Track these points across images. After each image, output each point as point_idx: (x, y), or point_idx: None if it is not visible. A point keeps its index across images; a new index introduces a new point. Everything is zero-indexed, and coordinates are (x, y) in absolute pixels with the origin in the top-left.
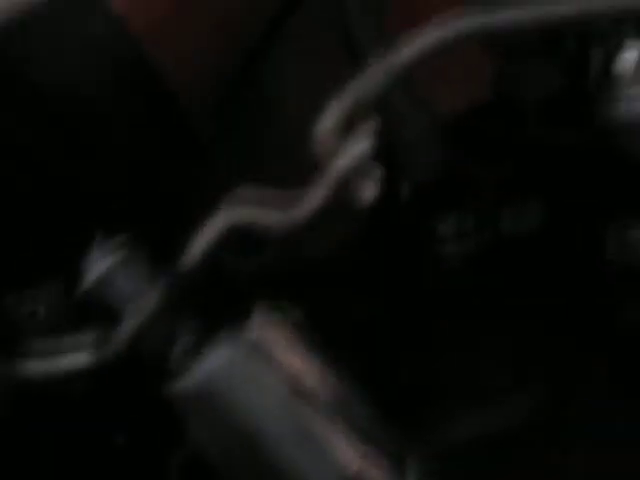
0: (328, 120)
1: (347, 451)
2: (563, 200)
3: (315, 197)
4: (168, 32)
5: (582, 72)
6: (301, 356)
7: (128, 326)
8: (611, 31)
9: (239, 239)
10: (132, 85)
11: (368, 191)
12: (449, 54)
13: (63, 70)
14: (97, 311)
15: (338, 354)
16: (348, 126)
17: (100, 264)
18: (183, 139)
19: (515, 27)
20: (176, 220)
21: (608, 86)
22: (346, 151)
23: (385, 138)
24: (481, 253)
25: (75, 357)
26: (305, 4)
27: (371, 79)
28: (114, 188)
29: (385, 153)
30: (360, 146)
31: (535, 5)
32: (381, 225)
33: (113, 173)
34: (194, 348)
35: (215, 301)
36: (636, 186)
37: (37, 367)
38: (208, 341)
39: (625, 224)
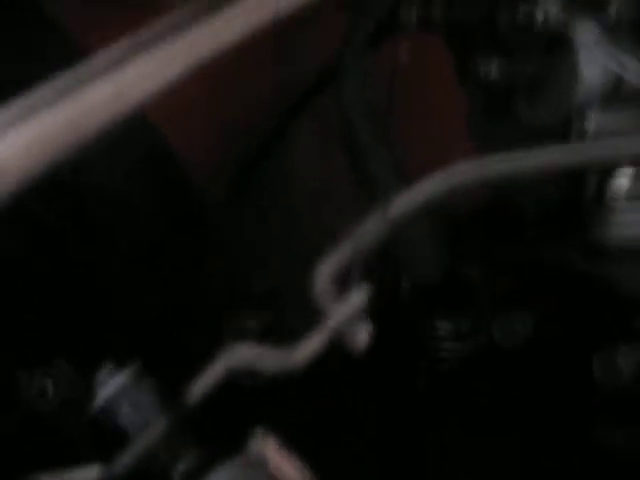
0: (327, 269)
1: None
2: (553, 318)
3: (312, 343)
4: (189, 124)
5: (578, 190)
6: (292, 469)
7: (134, 450)
8: None
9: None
10: (151, 171)
11: (361, 339)
12: None
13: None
14: (106, 427)
15: (332, 459)
16: (346, 273)
17: (110, 388)
18: (195, 221)
19: (508, 178)
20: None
21: (601, 210)
22: (343, 303)
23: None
24: (476, 356)
25: (84, 473)
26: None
27: (369, 230)
28: (126, 273)
29: (388, 255)
30: (356, 298)
31: (529, 153)
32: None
33: (126, 258)
34: (196, 471)
35: (216, 426)
36: (624, 311)
37: None
38: (209, 464)
39: (613, 348)
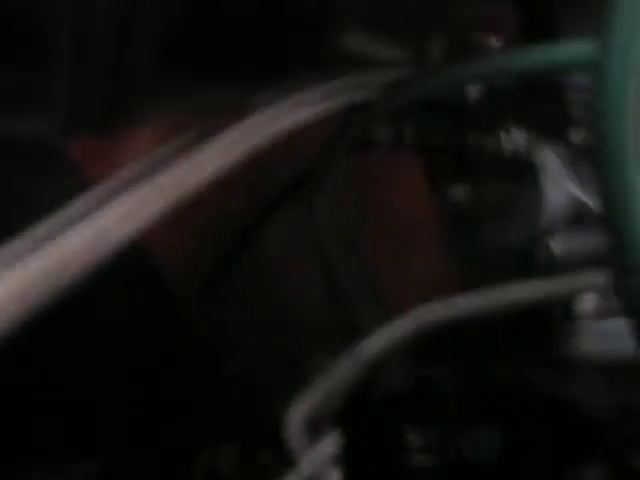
0: (299, 412)
1: None
2: (521, 434)
3: None
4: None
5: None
6: None
7: None
8: None
9: None
10: (131, 276)
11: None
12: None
13: None
14: None
15: None
16: (316, 419)
17: None
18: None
19: (478, 316)
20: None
21: (569, 327)
22: (315, 449)
23: None
24: (445, 470)
25: None
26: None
27: (342, 372)
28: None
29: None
30: (328, 444)
31: (498, 292)
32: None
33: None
34: None
35: None
36: (591, 428)
37: None
38: None
39: (581, 468)
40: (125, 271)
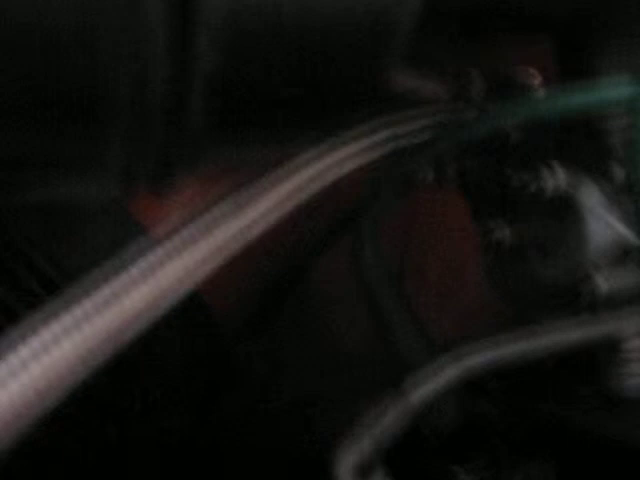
0: (348, 458)
1: None
2: (573, 470)
3: None
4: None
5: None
6: None
7: None
8: None
9: None
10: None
11: None
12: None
13: None
14: None
15: None
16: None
17: None
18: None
19: (520, 360)
20: None
21: (615, 363)
22: None
23: None
24: None
25: None
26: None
27: (390, 418)
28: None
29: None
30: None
31: (541, 331)
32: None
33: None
34: None
35: None
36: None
37: None
38: None
39: None
40: (179, 311)
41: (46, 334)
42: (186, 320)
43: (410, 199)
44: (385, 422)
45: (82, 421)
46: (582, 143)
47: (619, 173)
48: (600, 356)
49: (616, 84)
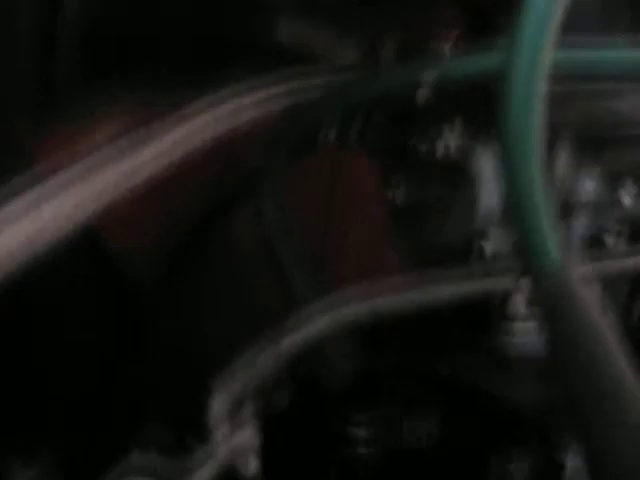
0: (219, 403)
1: None
2: (455, 421)
3: (204, 472)
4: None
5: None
6: None
7: None
8: None
9: None
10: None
11: (249, 470)
12: None
13: None
14: None
15: None
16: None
17: None
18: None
19: (401, 312)
20: None
21: (503, 325)
22: (235, 436)
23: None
24: (385, 459)
25: None
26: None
27: (260, 362)
28: None
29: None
30: (247, 432)
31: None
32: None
33: None
34: None
35: None
36: (519, 423)
37: None
38: None
39: (507, 456)
40: (83, 259)
41: None
42: (95, 271)
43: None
44: (257, 364)
45: None
46: (480, 106)
47: None
48: (491, 315)
49: (482, 54)
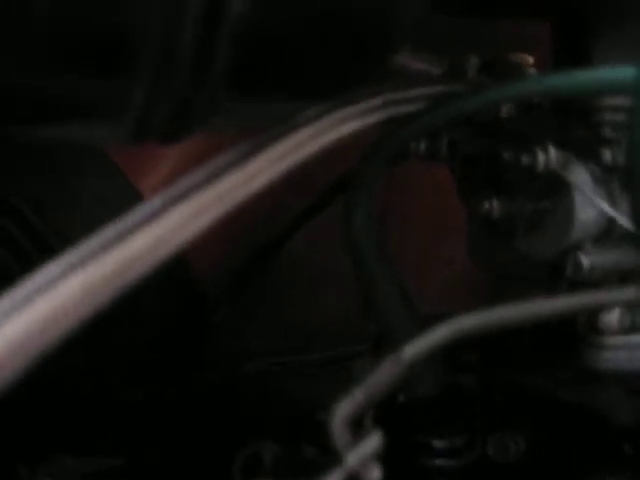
0: (341, 413)
1: None
2: (545, 439)
3: None
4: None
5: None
6: None
7: None
8: None
9: None
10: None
11: (375, 476)
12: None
13: None
14: None
15: None
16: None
17: None
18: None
19: (509, 324)
20: None
21: (593, 340)
22: (358, 447)
23: None
24: (468, 472)
25: None
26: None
27: (382, 375)
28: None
29: None
30: (371, 443)
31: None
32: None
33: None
34: None
35: None
36: (612, 439)
37: None
38: None
39: (599, 474)
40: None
41: (53, 268)
42: (167, 281)
43: (401, 169)
44: (377, 377)
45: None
46: (573, 125)
47: (607, 155)
48: (578, 329)
49: (615, 70)
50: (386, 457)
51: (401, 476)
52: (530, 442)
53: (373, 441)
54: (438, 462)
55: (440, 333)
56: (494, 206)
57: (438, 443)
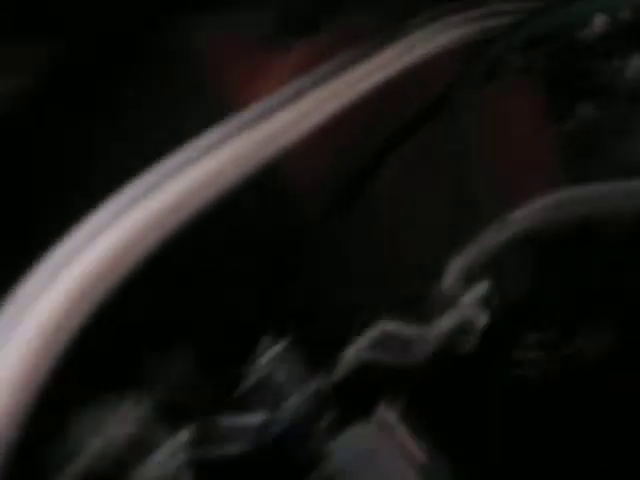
0: (456, 265)
1: None
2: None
3: (445, 323)
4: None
5: None
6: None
7: (291, 405)
8: None
9: None
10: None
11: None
12: None
13: None
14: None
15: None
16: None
17: (263, 365)
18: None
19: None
20: None
21: None
22: (468, 295)
23: None
24: (561, 366)
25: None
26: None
27: (490, 240)
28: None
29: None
30: (480, 289)
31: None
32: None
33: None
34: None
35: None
36: None
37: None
38: (342, 425)
39: None
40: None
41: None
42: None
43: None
44: (489, 239)
45: None
46: None
47: None
48: None
49: None
50: (482, 352)
51: (495, 369)
52: (620, 337)
53: (481, 288)
54: (531, 355)
55: (542, 205)
56: (588, 111)
57: (530, 337)
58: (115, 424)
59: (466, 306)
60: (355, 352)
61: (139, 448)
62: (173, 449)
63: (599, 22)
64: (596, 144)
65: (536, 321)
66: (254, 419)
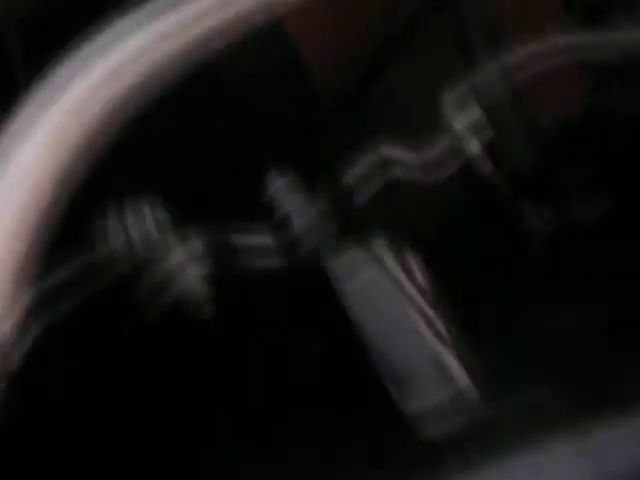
0: (451, 97)
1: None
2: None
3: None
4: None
5: None
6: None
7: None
8: None
9: None
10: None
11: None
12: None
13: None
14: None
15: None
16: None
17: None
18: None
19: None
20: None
21: None
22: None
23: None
24: (557, 233)
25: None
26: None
27: (483, 78)
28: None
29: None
30: (472, 113)
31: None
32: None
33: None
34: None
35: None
36: None
37: None
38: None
39: None
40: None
41: None
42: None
43: None
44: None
45: None
46: None
47: None
48: None
49: None
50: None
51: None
52: (613, 205)
53: (474, 113)
54: (531, 224)
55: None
56: None
57: (527, 208)
58: (134, 224)
59: (457, 131)
60: (355, 174)
61: (155, 249)
62: (186, 256)
63: None
64: (602, 18)
65: (532, 194)
66: (264, 239)
